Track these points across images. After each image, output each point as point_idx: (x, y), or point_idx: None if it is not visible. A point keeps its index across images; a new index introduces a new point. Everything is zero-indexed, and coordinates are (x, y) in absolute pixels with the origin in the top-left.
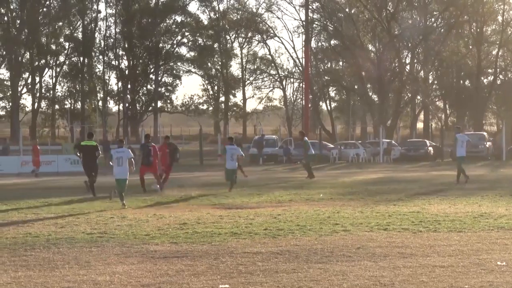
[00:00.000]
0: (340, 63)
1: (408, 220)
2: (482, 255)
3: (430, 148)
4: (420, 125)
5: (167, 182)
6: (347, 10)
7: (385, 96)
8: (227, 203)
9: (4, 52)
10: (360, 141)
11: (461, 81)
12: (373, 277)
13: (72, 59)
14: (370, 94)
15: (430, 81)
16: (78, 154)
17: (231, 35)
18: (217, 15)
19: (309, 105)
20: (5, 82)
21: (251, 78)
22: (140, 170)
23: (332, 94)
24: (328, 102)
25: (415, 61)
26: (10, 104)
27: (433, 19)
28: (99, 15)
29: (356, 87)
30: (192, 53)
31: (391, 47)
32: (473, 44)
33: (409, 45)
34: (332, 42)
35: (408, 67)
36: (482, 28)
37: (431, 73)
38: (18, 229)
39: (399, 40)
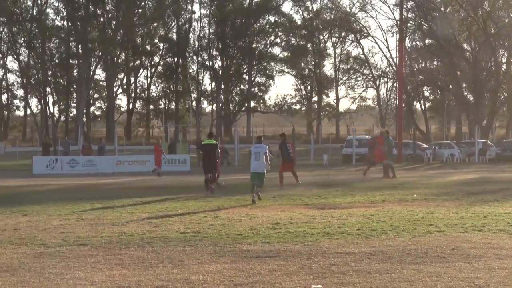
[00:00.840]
0: (435, 62)
1: (503, 221)
2: None
3: None
4: None
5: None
6: (442, 9)
7: (481, 95)
8: (320, 203)
9: (100, 53)
10: (455, 141)
11: None
12: (468, 278)
13: (167, 59)
14: (465, 93)
15: None
16: (200, 152)
17: (324, 35)
18: (310, 15)
19: (403, 105)
20: (101, 83)
21: (344, 78)
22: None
23: (427, 93)
24: (422, 101)
25: None
26: (106, 104)
27: None
28: (193, 15)
29: (451, 86)
30: (285, 53)
31: (487, 46)
32: None
33: (506, 44)
34: (427, 41)
35: (504, 66)
36: None
37: None
38: (113, 228)
39: (495, 39)
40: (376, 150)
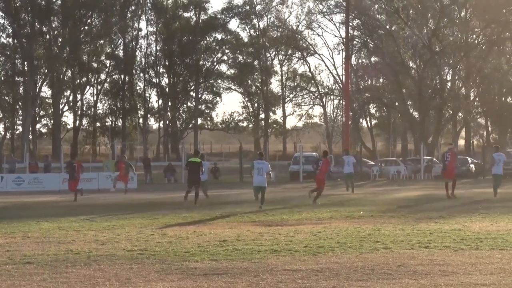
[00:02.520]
0: (381, 80)
1: (449, 238)
2: None
3: (472, 166)
4: (461, 142)
5: None
6: (387, 27)
7: (426, 113)
8: (267, 220)
9: (46, 70)
10: (401, 158)
11: (503, 98)
12: None
13: (113, 76)
14: (411, 111)
15: (472, 98)
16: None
17: (271, 53)
18: (257, 33)
19: (350, 122)
20: (47, 100)
21: (291, 95)
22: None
23: (373, 111)
24: (368, 119)
25: (456, 78)
26: (52, 121)
27: (474, 36)
28: (140, 33)
29: (396, 104)
30: (232, 71)
31: (432, 64)
32: None
33: (451, 62)
34: (373, 59)
35: (449, 84)
36: None
37: (473, 90)
38: (59, 246)
39: (440, 57)
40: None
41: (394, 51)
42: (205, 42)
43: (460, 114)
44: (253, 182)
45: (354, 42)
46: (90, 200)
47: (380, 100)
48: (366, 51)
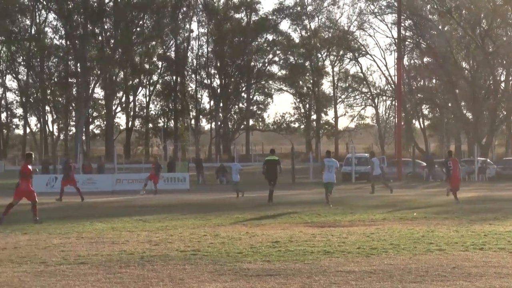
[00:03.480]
0: (433, 80)
1: (504, 240)
2: None
3: None
4: None
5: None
6: (440, 27)
7: (480, 113)
8: (320, 221)
9: (99, 71)
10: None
11: None
12: None
13: (165, 78)
14: (464, 111)
15: None
16: (264, 167)
17: (322, 53)
18: (308, 33)
19: (402, 123)
20: (99, 101)
21: (343, 96)
22: None
23: (425, 111)
24: (421, 120)
25: (510, 78)
26: (105, 122)
27: None
28: (191, 34)
29: (449, 104)
30: (284, 71)
31: (486, 64)
32: None
33: (504, 62)
34: (425, 59)
35: (503, 84)
36: None
37: None
38: (113, 247)
39: (493, 57)
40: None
41: (446, 51)
42: (256, 43)
43: None
44: (323, 179)
45: (406, 42)
46: (143, 201)
47: (433, 101)
48: (419, 52)
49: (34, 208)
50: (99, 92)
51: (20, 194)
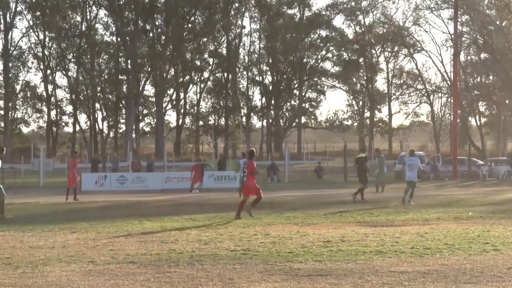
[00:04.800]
0: (490, 77)
1: None
2: None
3: None
4: None
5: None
6: (497, 22)
7: None
8: (372, 220)
9: (149, 68)
10: (505, 157)
11: None
12: None
13: (216, 75)
14: None
15: None
16: (356, 166)
17: (376, 49)
18: (362, 29)
19: (458, 121)
20: (150, 98)
21: (397, 93)
22: None
23: (482, 109)
24: (477, 117)
25: None
26: (155, 120)
27: None
28: (243, 30)
29: (507, 101)
30: (337, 68)
31: None
32: None
33: None
34: (482, 55)
35: None
36: None
37: None
38: (162, 246)
39: None
40: None
41: (504, 47)
42: (309, 39)
43: None
44: (406, 177)
45: (463, 38)
46: (192, 199)
47: (489, 97)
48: (475, 48)
49: None
50: (149, 90)
51: None
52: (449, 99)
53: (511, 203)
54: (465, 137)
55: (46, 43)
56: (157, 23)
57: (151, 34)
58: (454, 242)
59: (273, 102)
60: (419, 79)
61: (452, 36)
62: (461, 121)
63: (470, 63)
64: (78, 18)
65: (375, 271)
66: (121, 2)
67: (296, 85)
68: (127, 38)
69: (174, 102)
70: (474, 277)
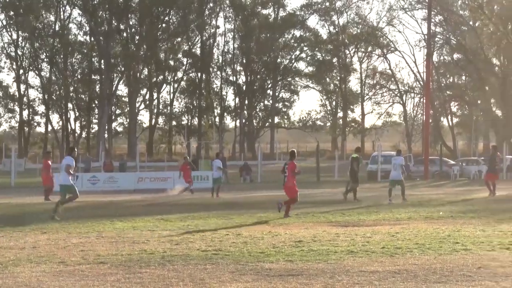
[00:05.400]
0: (463, 77)
1: None
2: None
3: None
4: None
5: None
6: (470, 23)
7: (510, 111)
8: (344, 220)
9: (123, 68)
10: (482, 158)
11: None
12: None
13: (190, 75)
14: (494, 109)
15: None
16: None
17: (350, 50)
18: (336, 30)
19: (430, 121)
20: (123, 98)
21: (370, 93)
22: None
23: (454, 109)
24: (449, 117)
25: None
26: (128, 120)
27: None
28: (217, 30)
29: (479, 102)
30: (311, 68)
31: None
32: None
33: None
34: (455, 56)
35: None
36: None
37: None
38: (133, 246)
39: None
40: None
41: (477, 47)
42: (283, 39)
43: None
44: (390, 177)
45: (436, 38)
46: (165, 200)
47: (462, 98)
48: (448, 48)
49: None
50: (122, 89)
51: None
52: (421, 99)
53: (482, 203)
54: (437, 137)
55: (19, 43)
56: (131, 23)
57: (125, 34)
58: (425, 241)
59: (246, 102)
60: (392, 79)
61: (426, 36)
62: (433, 121)
63: (443, 64)
64: (52, 18)
65: (346, 270)
66: (95, 2)
67: (269, 85)
68: (100, 38)
69: (147, 102)
70: (444, 277)
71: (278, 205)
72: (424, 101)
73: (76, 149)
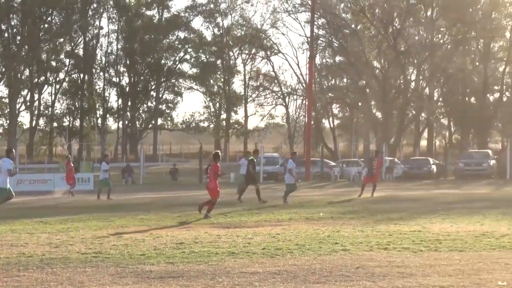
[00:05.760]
0: (345, 80)
1: (409, 239)
2: (483, 275)
3: (433, 166)
4: (424, 142)
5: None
6: (352, 26)
7: (389, 113)
8: (226, 222)
9: (4, 69)
10: (362, 159)
11: (467, 98)
12: None
13: (72, 76)
14: (374, 111)
15: (435, 98)
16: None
17: (234, 52)
18: (221, 31)
19: (312, 123)
20: (3, 100)
21: (254, 95)
22: None
23: (335, 111)
24: (331, 119)
25: (421, 78)
26: (8, 121)
27: (440, 35)
28: (101, 31)
29: (359, 104)
30: (195, 70)
31: (397, 63)
32: (480, 61)
33: (415, 61)
34: (337, 58)
35: (413, 83)
36: (489, 45)
37: (437, 90)
38: (11, 249)
39: (405, 57)
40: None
41: (358, 50)
42: (168, 40)
43: (423, 114)
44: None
45: (319, 41)
46: (45, 202)
47: (343, 100)
48: (331, 51)
49: None
50: (2, 90)
51: None
52: (304, 101)
53: (361, 203)
54: (318, 138)
55: None
56: (12, 23)
57: (6, 34)
58: (305, 242)
59: (129, 103)
60: (276, 81)
61: (309, 39)
62: (315, 123)
63: (325, 66)
64: None
65: (227, 272)
66: None
67: (153, 87)
68: None
69: (28, 103)
70: (323, 277)
71: (199, 207)
72: (306, 103)
73: (14, 150)
